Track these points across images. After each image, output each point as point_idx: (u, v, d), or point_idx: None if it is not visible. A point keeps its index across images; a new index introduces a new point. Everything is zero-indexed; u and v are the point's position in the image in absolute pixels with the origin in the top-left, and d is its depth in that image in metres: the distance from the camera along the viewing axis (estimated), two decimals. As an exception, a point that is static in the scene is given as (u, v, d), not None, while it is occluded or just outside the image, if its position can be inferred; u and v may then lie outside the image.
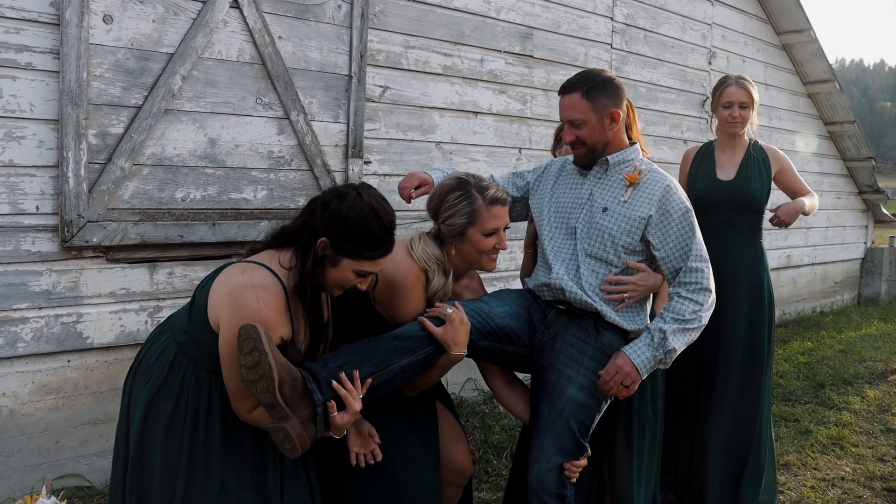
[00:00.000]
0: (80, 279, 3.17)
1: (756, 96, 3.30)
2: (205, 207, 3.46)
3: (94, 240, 3.13)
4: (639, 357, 2.36)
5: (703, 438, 3.24)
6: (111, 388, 3.29)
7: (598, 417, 2.47)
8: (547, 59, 4.88)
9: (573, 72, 4.92)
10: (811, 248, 7.68)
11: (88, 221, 3.12)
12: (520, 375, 2.69)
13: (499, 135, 4.66)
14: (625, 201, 2.43)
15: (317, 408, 1.94)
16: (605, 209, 2.43)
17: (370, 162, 4.04)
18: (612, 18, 5.29)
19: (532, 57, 4.79)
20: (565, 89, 2.48)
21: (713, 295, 2.42)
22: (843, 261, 8.28)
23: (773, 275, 7.16)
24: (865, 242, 8.60)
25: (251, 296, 1.88)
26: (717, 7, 6.18)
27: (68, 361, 3.20)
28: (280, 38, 3.62)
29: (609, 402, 2.51)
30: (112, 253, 3.23)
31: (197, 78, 3.38)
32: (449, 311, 2.25)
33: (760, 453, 3.25)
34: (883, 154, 52.78)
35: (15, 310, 3.02)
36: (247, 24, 3.49)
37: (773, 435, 3.52)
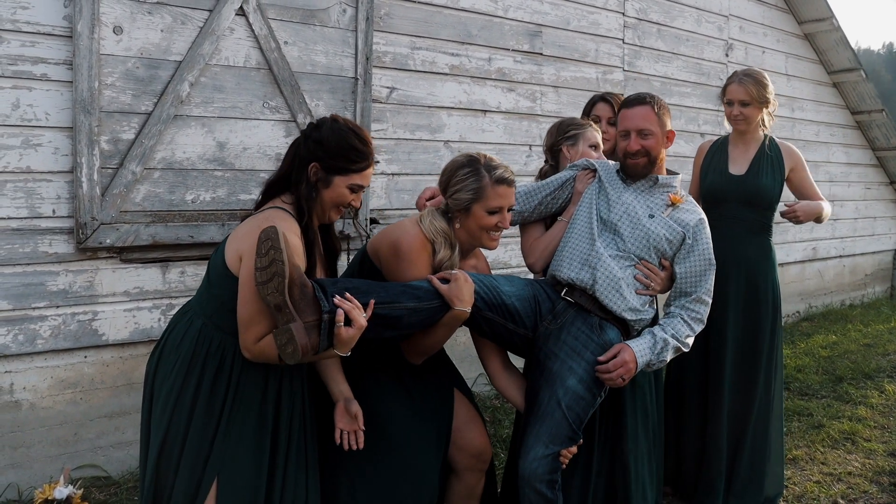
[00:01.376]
0: (95, 279, 3.32)
1: (763, 94, 3.20)
2: (214, 209, 3.58)
3: (108, 241, 3.28)
4: (641, 357, 2.50)
5: (705, 431, 3.26)
6: (127, 383, 3.44)
7: (591, 412, 2.54)
8: (557, 56, 4.90)
9: (584, 68, 5.02)
10: (838, 240, 7.55)
11: (102, 224, 3.27)
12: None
13: (508, 132, 4.70)
14: (665, 215, 2.63)
15: (323, 314, 1.99)
16: (651, 216, 2.62)
17: (378, 161, 4.09)
18: (623, 13, 5.29)
19: (541, 54, 4.82)
20: (634, 102, 2.67)
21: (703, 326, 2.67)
22: (873, 252, 8.11)
23: (798, 268, 7.09)
24: (898, 234, 8.42)
25: (280, 225, 2.02)
26: (734, -2, 6.12)
27: (85, 357, 3.35)
28: (286, 43, 3.73)
29: (603, 397, 2.59)
30: (125, 253, 3.38)
31: (205, 84, 3.51)
32: (454, 271, 2.36)
33: (759, 447, 3.26)
34: (933, 141, 50.75)
35: (34, 308, 3.19)
36: (253, 30, 3.61)
37: (784, 430, 3.51)
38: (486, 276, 2.52)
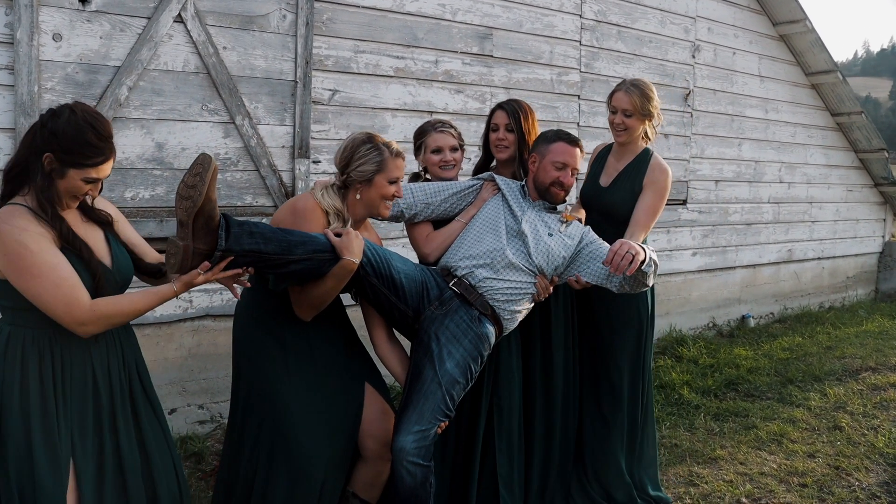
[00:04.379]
0: (35, 271, 3.53)
1: (647, 106, 3.15)
2: (153, 206, 3.78)
3: (47, 236, 3.49)
4: (641, 247, 2.77)
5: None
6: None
7: (462, 394, 2.77)
8: (508, 59, 5.01)
9: (537, 70, 5.12)
10: (817, 241, 7.53)
11: (41, 219, 3.48)
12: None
13: (457, 133, 4.82)
14: (561, 232, 2.96)
15: (216, 251, 2.23)
16: (550, 234, 2.93)
17: (319, 161, 4.29)
18: (580, 16, 5.37)
19: (492, 56, 4.93)
20: (576, 142, 2.99)
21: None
22: (855, 255, 8.07)
23: (772, 269, 7.11)
24: (884, 236, 8.35)
25: (4, 227, 2.01)
26: (701, 0, 6.14)
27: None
28: (224, 48, 3.90)
29: (471, 384, 2.81)
30: (65, 247, 3.58)
31: (143, 88, 3.70)
32: (348, 228, 2.59)
33: (628, 450, 3.36)
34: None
35: (-24, 297, 3.41)
36: (191, 36, 3.78)
37: (656, 433, 3.58)
38: (380, 248, 2.73)
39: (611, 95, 3.26)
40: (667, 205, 5.92)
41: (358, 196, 2.69)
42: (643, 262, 2.74)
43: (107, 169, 2.15)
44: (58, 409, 2.11)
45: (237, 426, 2.75)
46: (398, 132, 4.57)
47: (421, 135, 3.14)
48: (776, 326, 6.90)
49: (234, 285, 2.44)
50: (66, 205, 2.15)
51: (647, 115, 3.17)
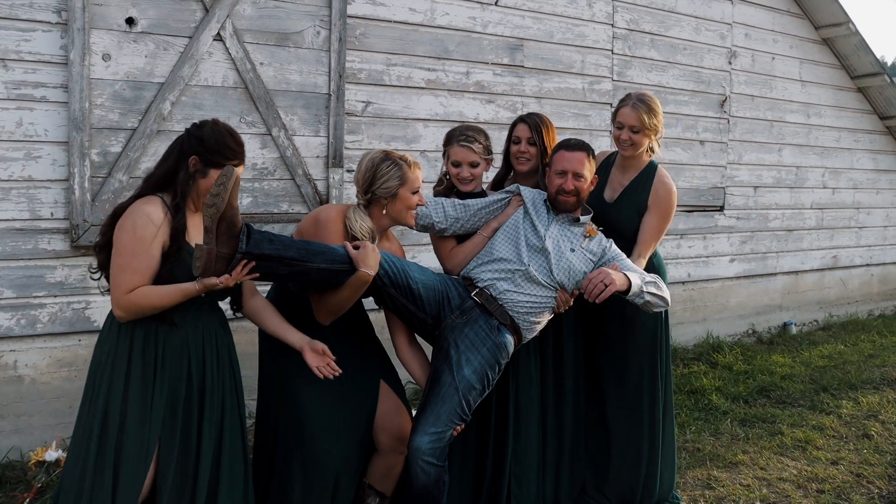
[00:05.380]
0: (87, 273, 3.83)
1: (653, 122, 3.15)
2: (194, 213, 4.03)
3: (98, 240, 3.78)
4: (628, 273, 2.86)
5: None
6: (114, 364, 3.94)
7: (479, 400, 2.89)
8: (539, 69, 5.12)
9: (569, 79, 5.23)
10: (865, 248, 7.37)
11: (92, 225, 3.76)
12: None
13: (487, 142, 4.95)
14: (583, 247, 3.03)
15: (236, 254, 2.43)
16: (572, 249, 3.01)
17: (352, 170, 4.49)
18: (612, 25, 5.43)
19: (522, 67, 5.05)
20: (575, 147, 3.05)
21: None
22: (909, 262, 7.86)
23: (815, 276, 7.00)
24: (940, 242, 8.09)
25: (136, 207, 2.41)
26: (738, 6, 6.11)
27: (79, 340, 3.87)
28: (261, 64, 4.14)
29: (489, 390, 2.92)
30: (114, 251, 3.87)
31: (185, 102, 3.96)
32: (366, 241, 2.74)
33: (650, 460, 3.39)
34: None
35: (34, 297, 3.72)
36: (230, 54, 4.03)
37: (674, 441, 3.58)
38: (399, 259, 2.87)
39: (616, 111, 3.24)
40: (703, 211, 5.99)
41: (384, 211, 2.85)
42: (627, 291, 2.81)
43: (240, 170, 2.51)
44: (154, 394, 2.42)
45: (260, 421, 2.96)
46: (430, 142, 4.73)
47: (447, 142, 3.20)
48: (819, 334, 6.79)
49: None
50: (201, 205, 2.50)
51: (653, 129, 3.17)
